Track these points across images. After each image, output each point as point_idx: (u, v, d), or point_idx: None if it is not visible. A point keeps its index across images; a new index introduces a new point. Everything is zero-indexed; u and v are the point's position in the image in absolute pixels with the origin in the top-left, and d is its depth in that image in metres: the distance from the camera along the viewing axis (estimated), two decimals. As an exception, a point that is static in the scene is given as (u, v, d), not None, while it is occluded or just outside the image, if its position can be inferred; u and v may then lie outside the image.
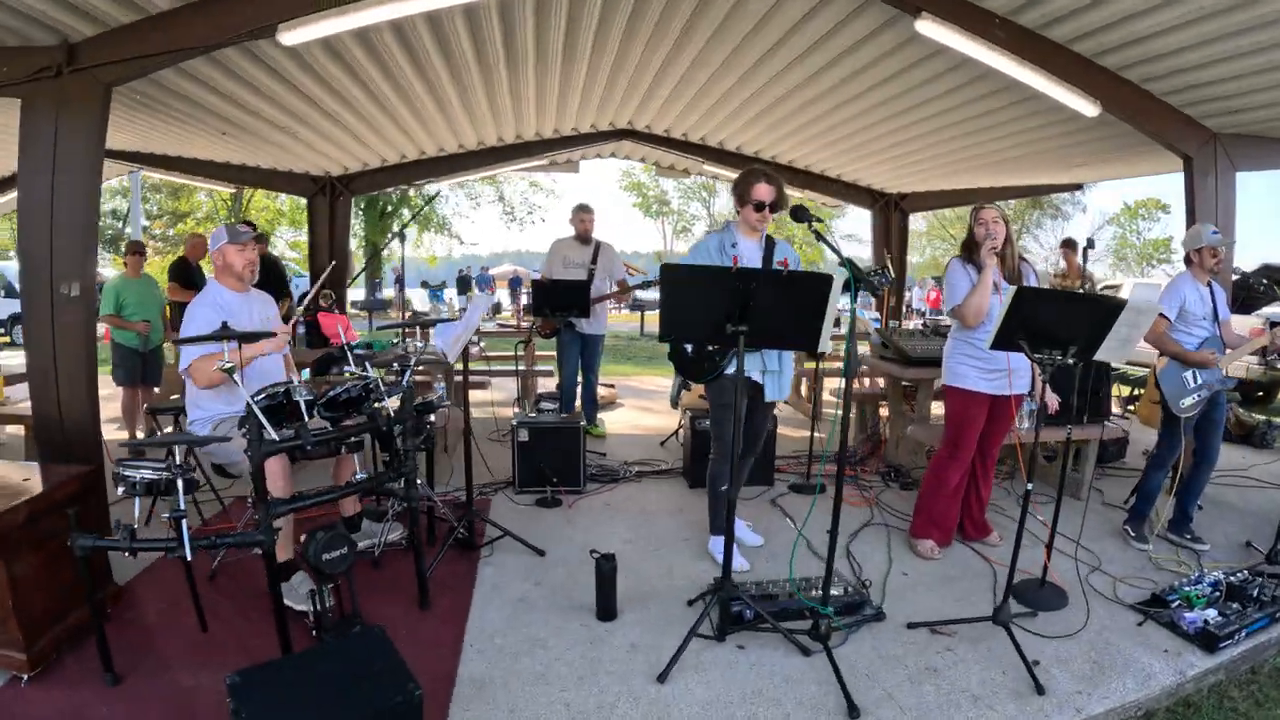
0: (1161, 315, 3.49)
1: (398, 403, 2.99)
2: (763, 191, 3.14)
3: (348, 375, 2.99)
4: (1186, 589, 2.96)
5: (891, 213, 8.43)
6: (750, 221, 3.20)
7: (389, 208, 25.38)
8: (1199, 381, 3.48)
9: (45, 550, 2.50)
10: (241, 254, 3.15)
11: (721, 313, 2.37)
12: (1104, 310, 2.51)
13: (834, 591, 2.87)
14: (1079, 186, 8.51)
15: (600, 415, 6.52)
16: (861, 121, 5.73)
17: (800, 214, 2.61)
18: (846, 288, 2.42)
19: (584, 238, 5.52)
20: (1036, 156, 5.98)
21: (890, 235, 8.41)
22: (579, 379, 5.74)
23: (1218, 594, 2.93)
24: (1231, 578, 3.03)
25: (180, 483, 2.35)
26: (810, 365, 7.40)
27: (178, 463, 2.49)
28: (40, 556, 2.48)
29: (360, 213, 25.27)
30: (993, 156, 6.17)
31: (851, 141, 6.45)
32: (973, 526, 3.65)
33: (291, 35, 3.46)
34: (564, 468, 4.42)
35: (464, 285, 25.70)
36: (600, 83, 5.45)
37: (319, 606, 2.45)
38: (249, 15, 3.32)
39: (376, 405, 2.84)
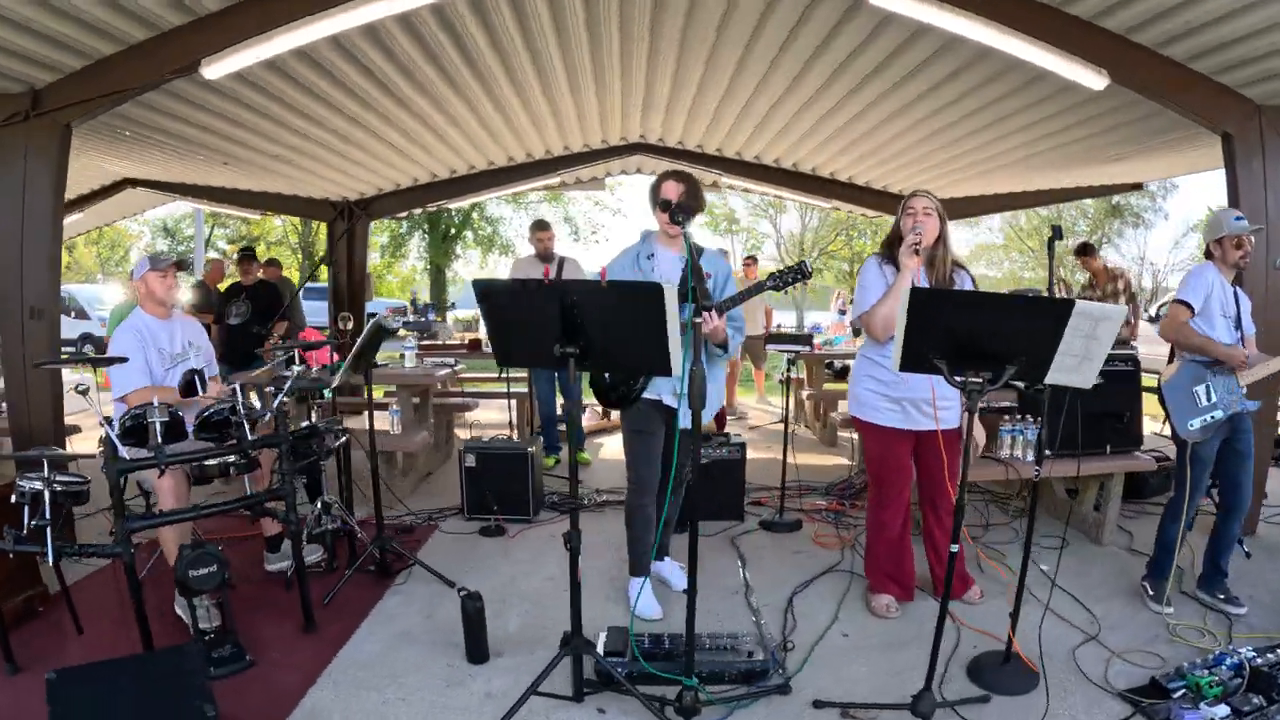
0: (1181, 303, 2.83)
1: (270, 424, 2.84)
2: (669, 189, 2.74)
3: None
4: (1197, 673, 2.31)
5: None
6: (662, 226, 2.82)
7: (451, 230, 26.03)
8: (1212, 399, 2.79)
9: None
10: (163, 281, 3.18)
11: (550, 333, 1.99)
12: (1045, 316, 1.97)
13: (738, 655, 2.42)
14: (1138, 186, 7.51)
15: (600, 440, 6.24)
16: (894, 127, 5.32)
17: (672, 210, 2.24)
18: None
19: (545, 255, 5.23)
20: (1063, 151, 5.27)
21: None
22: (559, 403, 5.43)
23: (1238, 681, 2.28)
24: (1261, 659, 2.35)
25: (47, 494, 2.47)
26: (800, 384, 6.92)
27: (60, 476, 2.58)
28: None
29: (424, 235, 26.02)
30: (1018, 153, 5.51)
31: (870, 144, 5.94)
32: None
33: (213, 69, 3.47)
34: (510, 495, 4.13)
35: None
36: (616, 96, 5.30)
37: (194, 619, 2.57)
38: (174, 54, 3.42)
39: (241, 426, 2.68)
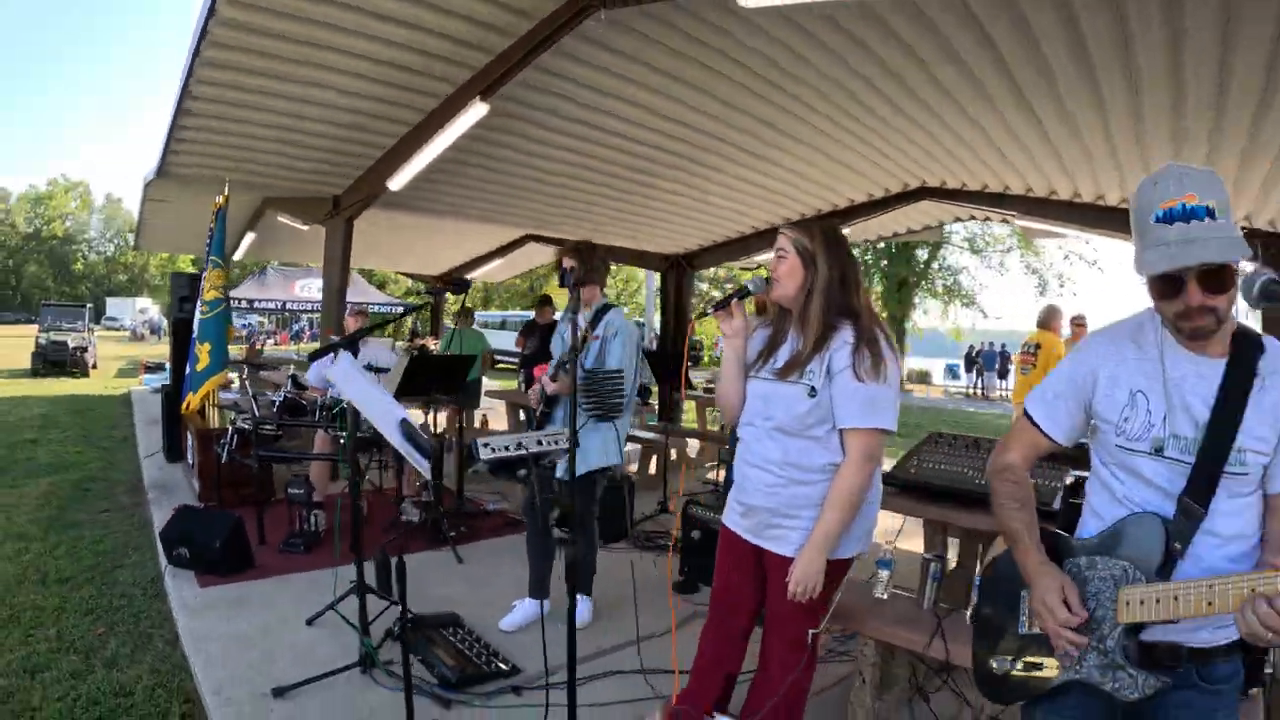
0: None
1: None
2: (565, 261, 2.98)
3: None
4: None
5: None
6: None
7: (910, 278, 25.32)
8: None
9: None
10: (353, 320, 5.07)
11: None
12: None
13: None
14: None
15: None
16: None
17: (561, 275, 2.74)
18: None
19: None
20: None
21: None
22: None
23: None
24: None
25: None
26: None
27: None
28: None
29: (882, 280, 25.76)
30: None
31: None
32: None
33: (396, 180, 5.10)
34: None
35: (969, 363, 23.60)
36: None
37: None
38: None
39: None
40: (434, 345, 7.77)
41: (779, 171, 5.95)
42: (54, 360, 15.57)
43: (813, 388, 1.80)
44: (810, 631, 1.89)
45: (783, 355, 1.89)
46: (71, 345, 15.92)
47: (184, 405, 5.55)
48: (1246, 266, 1.16)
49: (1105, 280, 23.90)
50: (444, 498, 4.61)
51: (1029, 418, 1.41)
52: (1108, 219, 5.71)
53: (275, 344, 17.74)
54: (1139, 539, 1.23)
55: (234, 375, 6.04)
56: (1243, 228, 5.13)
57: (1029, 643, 1.34)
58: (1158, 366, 1.26)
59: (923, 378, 29.51)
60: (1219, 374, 1.22)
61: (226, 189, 5.35)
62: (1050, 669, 1.30)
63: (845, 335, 1.82)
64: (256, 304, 18.32)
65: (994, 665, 1.35)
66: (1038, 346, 6.67)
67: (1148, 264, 1.17)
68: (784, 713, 1.95)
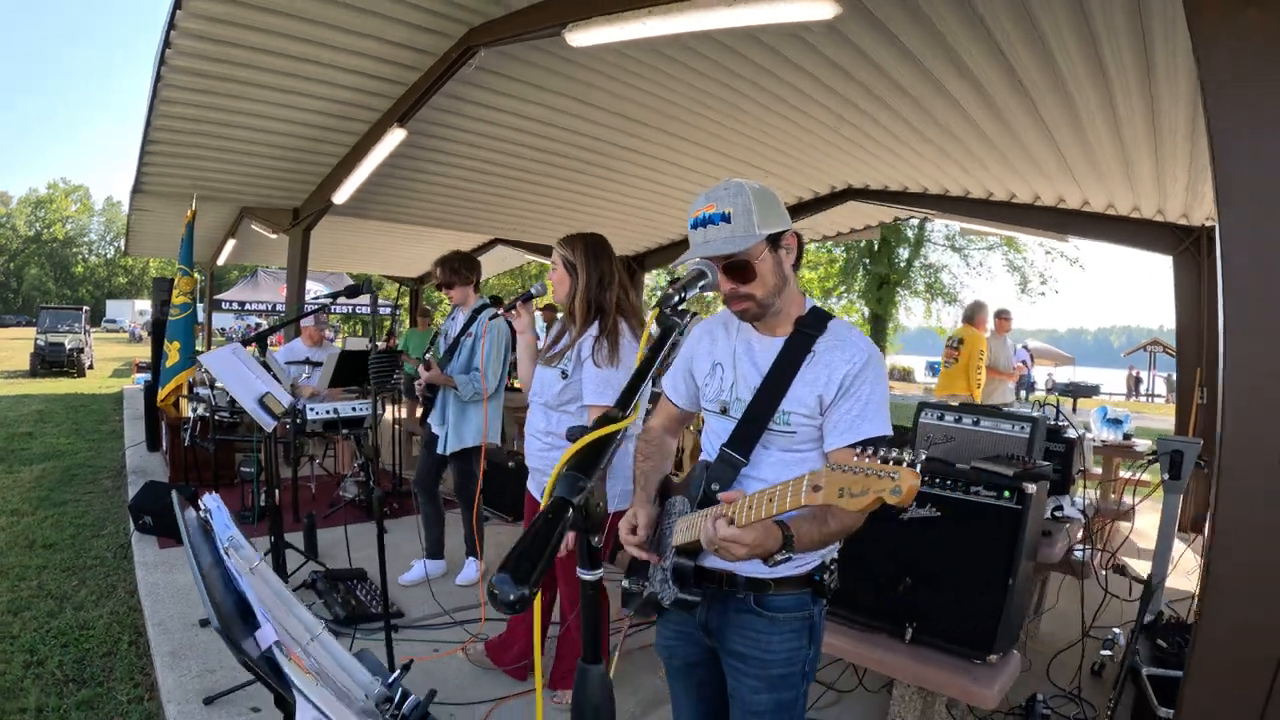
0: None
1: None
2: (435, 271, 3.50)
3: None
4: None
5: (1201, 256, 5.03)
6: None
7: (891, 276, 25.61)
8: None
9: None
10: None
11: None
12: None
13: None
14: None
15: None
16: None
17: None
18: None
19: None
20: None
21: (1202, 294, 5.03)
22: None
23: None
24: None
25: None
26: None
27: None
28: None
29: (864, 277, 26.04)
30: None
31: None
32: None
33: (339, 195, 5.61)
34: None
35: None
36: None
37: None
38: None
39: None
40: (396, 344, 8.29)
41: (705, 180, 6.40)
42: (51, 361, 16.14)
43: (564, 371, 2.32)
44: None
45: (558, 346, 2.41)
46: (68, 346, 16.47)
47: (158, 398, 6.09)
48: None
49: (1087, 278, 24.15)
50: (381, 479, 5.14)
51: (664, 392, 1.68)
52: (1023, 215, 6.12)
53: (272, 344, 18.42)
54: (694, 481, 1.48)
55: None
56: (1157, 221, 5.57)
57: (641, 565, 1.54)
58: (732, 345, 1.52)
59: (905, 375, 29.96)
60: (775, 351, 1.44)
61: (194, 203, 5.89)
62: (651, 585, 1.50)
63: (593, 330, 2.30)
64: (248, 306, 18.86)
65: (625, 584, 1.55)
66: (960, 341, 6.91)
67: (682, 260, 1.39)
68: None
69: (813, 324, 1.44)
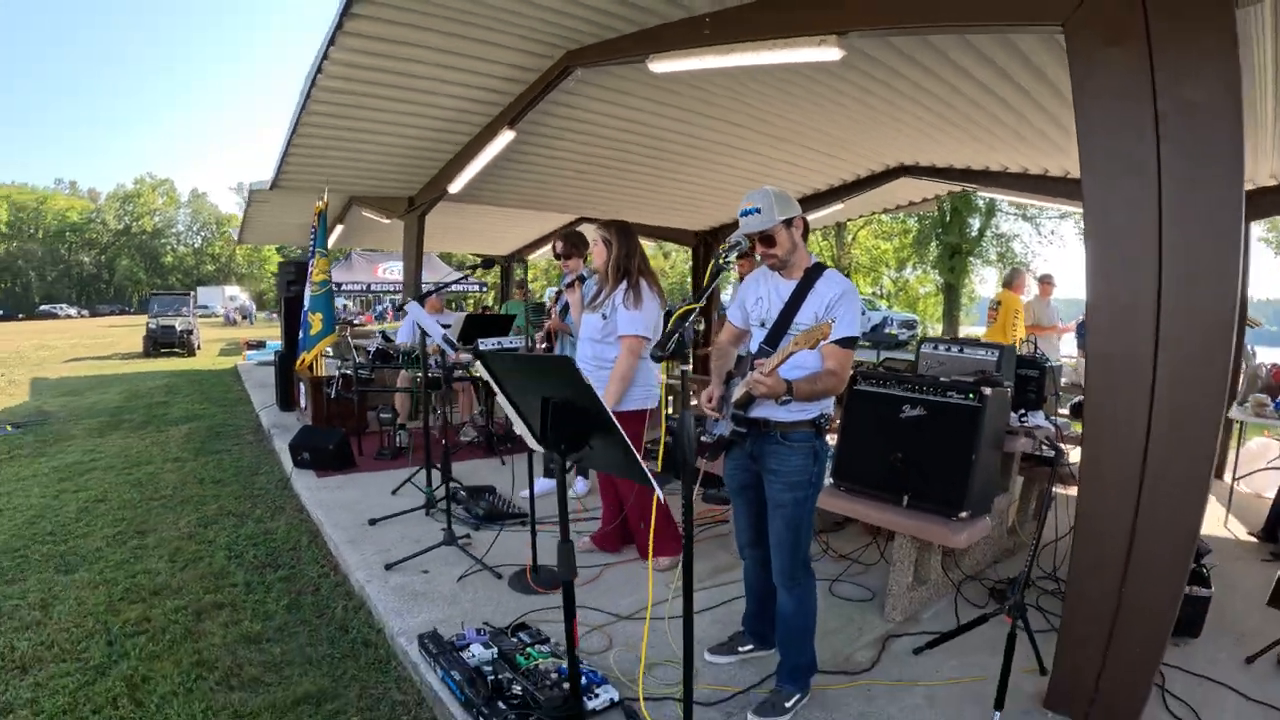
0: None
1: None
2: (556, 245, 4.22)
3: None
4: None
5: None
6: None
7: (963, 245, 25.22)
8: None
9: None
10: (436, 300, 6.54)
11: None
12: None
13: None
14: None
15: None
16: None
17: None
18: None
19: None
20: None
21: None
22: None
23: None
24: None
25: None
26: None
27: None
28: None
29: (937, 247, 25.71)
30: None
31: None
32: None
33: (454, 185, 6.56)
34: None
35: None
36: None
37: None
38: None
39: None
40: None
41: (774, 163, 6.99)
42: (163, 343, 17.84)
43: (604, 315, 3.34)
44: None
45: (600, 299, 3.39)
46: (179, 329, 18.08)
47: (299, 363, 7.27)
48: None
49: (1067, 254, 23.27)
50: (497, 423, 6.15)
51: (728, 318, 2.59)
52: (1051, 187, 6.58)
53: (360, 324, 19.97)
54: (744, 364, 2.38)
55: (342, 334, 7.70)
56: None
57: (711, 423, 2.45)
58: (768, 286, 2.42)
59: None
60: (792, 287, 2.34)
61: (326, 195, 6.97)
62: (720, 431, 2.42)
63: (623, 285, 3.32)
64: (343, 287, 20.37)
65: (702, 438, 2.43)
66: (999, 304, 7.63)
67: (733, 235, 2.29)
68: (636, 513, 3.41)
69: (814, 272, 2.33)
